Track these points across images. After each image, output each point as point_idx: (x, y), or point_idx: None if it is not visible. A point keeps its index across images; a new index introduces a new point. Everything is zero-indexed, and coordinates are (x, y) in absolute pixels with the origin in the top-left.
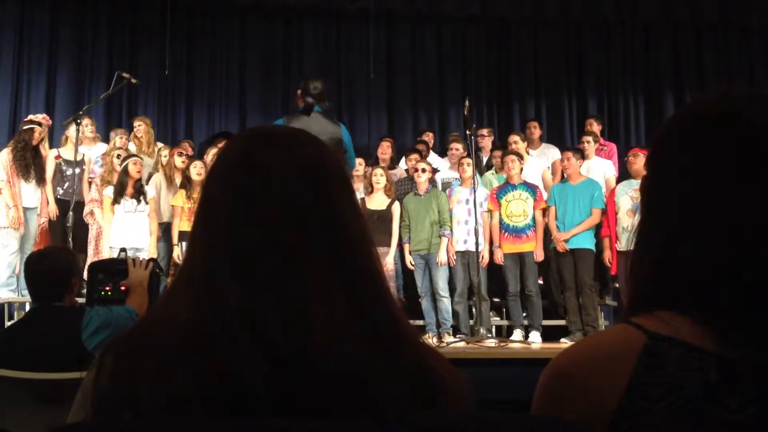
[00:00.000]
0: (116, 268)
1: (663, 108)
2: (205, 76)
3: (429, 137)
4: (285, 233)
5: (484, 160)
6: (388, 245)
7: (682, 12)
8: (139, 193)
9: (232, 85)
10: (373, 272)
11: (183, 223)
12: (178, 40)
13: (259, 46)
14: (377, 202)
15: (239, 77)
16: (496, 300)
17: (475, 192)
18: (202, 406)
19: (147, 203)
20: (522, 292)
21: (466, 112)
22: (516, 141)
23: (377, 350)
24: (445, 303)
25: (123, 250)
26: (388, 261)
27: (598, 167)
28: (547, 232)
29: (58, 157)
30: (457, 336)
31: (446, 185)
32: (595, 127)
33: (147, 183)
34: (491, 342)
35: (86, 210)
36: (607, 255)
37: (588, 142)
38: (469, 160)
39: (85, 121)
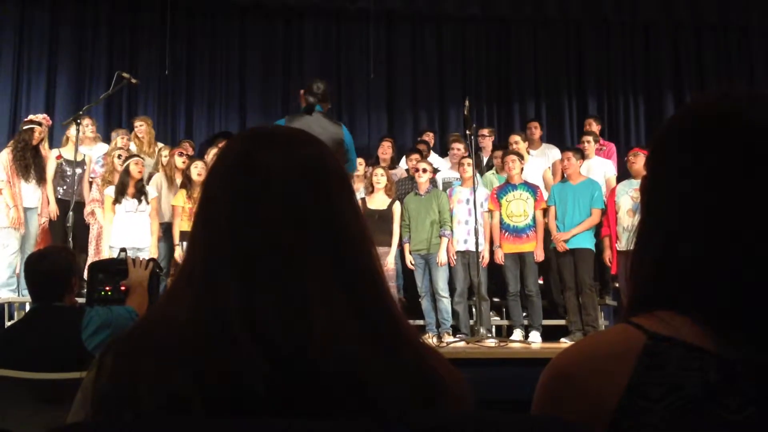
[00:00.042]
0: (116, 268)
1: (663, 108)
2: (205, 76)
3: (429, 137)
4: (285, 233)
5: (485, 160)
6: (389, 245)
7: (682, 12)
8: (140, 193)
9: (232, 85)
10: (373, 272)
11: (183, 223)
12: (178, 40)
13: (259, 46)
14: (378, 201)
15: (239, 77)
16: (496, 300)
17: (475, 192)
18: (202, 406)
19: (148, 203)
20: (522, 292)
21: (466, 112)
22: (517, 141)
23: (377, 350)
24: (445, 303)
25: (123, 250)
26: (389, 261)
27: (599, 167)
28: (547, 231)
29: (59, 157)
30: (457, 336)
31: (447, 185)
32: (594, 127)
33: (147, 183)
34: (491, 342)
35: (87, 210)
36: (608, 255)
37: (588, 141)
38: (470, 160)
39: (86, 121)
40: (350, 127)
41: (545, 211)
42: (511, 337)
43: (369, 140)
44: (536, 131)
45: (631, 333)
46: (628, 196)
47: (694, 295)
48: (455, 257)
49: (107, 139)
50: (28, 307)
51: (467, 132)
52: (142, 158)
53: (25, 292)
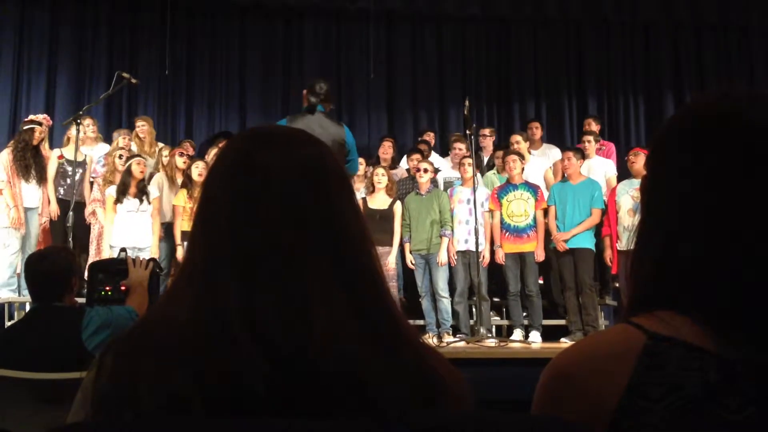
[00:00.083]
0: (116, 268)
1: (663, 108)
2: (205, 76)
3: (430, 137)
4: (285, 233)
5: (485, 159)
6: (390, 245)
7: (682, 12)
8: (142, 193)
9: (232, 85)
10: (373, 272)
11: (185, 223)
12: (178, 40)
13: (259, 46)
14: (379, 201)
15: (239, 77)
16: (496, 300)
17: (475, 192)
18: (202, 406)
19: (150, 203)
20: (522, 291)
21: (466, 112)
22: (518, 141)
23: (377, 350)
24: (445, 303)
25: (123, 249)
26: (390, 260)
27: (600, 166)
28: (547, 231)
29: (61, 156)
30: (457, 336)
31: (448, 185)
32: (594, 127)
33: (148, 183)
34: (491, 342)
35: (88, 210)
36: (608, 254)
37: (589, 141)
38: (470, 160)
39: (87, 121)
40: (350, 127)
41: (545, 211)
42: (511, 337)
43: (369, 140)
44: (537, 131)
45: (631, 333)
46: (628, 196)
47: (694, 295)
48: (456, 257)
49: (108, 139)
50: (28, 307)
51: (467, 132)
52: (144, 158)
53: (26, 292)
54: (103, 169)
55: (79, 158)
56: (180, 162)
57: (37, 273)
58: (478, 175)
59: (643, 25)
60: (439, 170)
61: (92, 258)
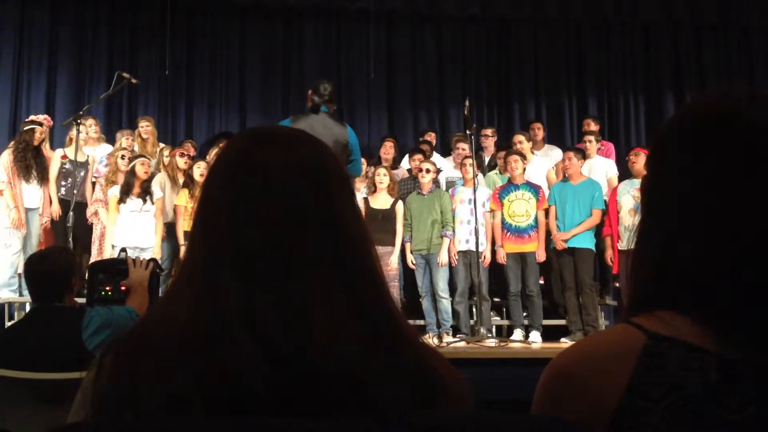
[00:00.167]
0: (116, 268)
1: (663, 108)
2: (205, 76)
3: (432, 137)
4: (285, 233)
5: (486, 159)
6: (392, 244)
7: (682, 12)
8: (145, 193)
9: (232, 85)
10: (373, 272)
11: (186, 223)
12: (178, 40)
13: (259, 46)
14: (381, 201)
15: (239, 77)
16: (496, 300)
17: (475, 192)
18: (202, 406)
19: (153, 203)
20: (523, 291)
21: (466, 112)
22: (521, 141)
23: (377, 350)
24: (445, 303)
25: (123, 250)
26: (392, 260)
27: (601, 166)
28: (547, 231)
29: (64, 156)
30: (457, 336)
31: (450, 185)
32: (593, 127)
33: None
34: (491, 342)
35: (90, 210)
36: (609, 254)
37: (590, 141)
38: (471, 160)
39: (90, 121)
40: (350, 126)
41: (546, 212)
42: (512, 337)
43: (369, 140)
44: (539, 132)
45: (631, 333)
46: (629, 196)
47: (694, 295)
48: (456, 257)
49: (110, 140)
50: (28, 307)
51: (467, 132)
52: (148, 159)
53: (27, 292)
54: (106, 170)
55: (82, 158)
56: (181, 162)
57: (38, 273)
58: (479, 175)
59: (643, 25)
60: (441, 170)
61: (94, 258)
